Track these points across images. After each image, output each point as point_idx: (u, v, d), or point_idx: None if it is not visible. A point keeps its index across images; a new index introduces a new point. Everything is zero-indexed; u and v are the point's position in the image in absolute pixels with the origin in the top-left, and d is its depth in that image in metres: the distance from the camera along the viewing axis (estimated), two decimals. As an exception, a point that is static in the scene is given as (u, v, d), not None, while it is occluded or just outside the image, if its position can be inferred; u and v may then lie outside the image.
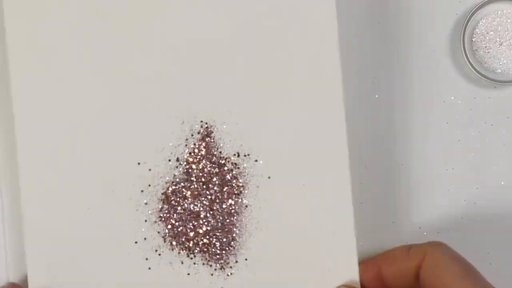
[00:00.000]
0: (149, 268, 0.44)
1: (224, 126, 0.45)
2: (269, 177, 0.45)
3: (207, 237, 0.45)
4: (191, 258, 0.45)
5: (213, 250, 0.45)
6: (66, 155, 0.43)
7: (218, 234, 0.45)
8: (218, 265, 0.45)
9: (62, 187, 0.43)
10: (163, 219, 0.44)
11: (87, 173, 0.44)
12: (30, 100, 0.43)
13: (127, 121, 0.44)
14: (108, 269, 0.44)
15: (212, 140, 0.45)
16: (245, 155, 0.45)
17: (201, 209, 0.45)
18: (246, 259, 0.45)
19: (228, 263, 0.45)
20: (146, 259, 0.44)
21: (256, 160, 0.45)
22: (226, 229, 0.45)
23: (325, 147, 0.44)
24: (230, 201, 0.45)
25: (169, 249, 0.45)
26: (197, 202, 0.45)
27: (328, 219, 0.44)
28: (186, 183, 0.45)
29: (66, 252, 0.43)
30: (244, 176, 0.45)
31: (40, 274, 0.43)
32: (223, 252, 0.45)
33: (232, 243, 0.45)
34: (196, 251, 0.45)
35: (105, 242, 0.44)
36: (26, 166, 0.43)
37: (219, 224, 0.45)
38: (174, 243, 0.45)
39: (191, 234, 0.45)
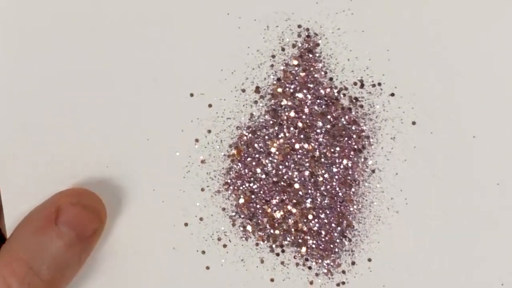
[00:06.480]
0: (207, 268, 0.27)
1: (339, 36, 0.26)
2: (413, 123, 0.26)
3: (306, 220, 0.27)
4: (277, 255, 0.27)
5: (315, 242, 0.27)
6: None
7: (323, 216, 0.27)
8: (322, 267, 0.27)
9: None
10: (231, 188, 0.27)
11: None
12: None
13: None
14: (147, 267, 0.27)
15: (316, 58, 0.26)
16: (373, 85, 0.26)
17: (295, 173, 0.26)
18: (369, 260, 0.27)
19: (339, 265, 0.27)
20: (203, 252, 0.27)
21: (392, 94, 0.26)
22: (337, 209, 0.27)
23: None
24: (345, 161, 0.26)
25: (240, 238, 0.27)
26: (289, 161, 0.26)
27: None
28: (271, 129, 0.26)
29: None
30: (371, 120, 0.26)
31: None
32: (331, 246, 0.27)
33: (346, 232, 0.27)
34: (286, 243, 0.27)
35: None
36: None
37: (326, 200, 0.27)
38: (248, 228, 0.27)
39: (278, 214, 0.27)
